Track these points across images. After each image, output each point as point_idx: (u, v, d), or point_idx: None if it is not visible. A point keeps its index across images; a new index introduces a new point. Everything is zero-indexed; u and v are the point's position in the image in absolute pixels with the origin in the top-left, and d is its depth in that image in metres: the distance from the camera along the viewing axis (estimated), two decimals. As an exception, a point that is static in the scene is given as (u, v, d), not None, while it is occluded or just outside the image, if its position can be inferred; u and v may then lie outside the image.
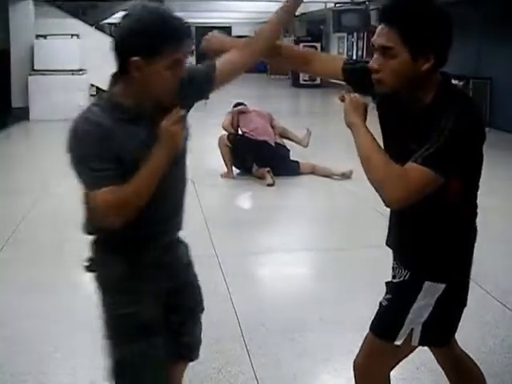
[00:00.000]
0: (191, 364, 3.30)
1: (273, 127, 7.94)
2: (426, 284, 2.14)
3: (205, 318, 3.77)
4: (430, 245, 2.18)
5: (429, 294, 2.15)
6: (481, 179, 2.13)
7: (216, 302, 4.08)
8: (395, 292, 2.24)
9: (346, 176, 7.52)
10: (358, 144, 2.10)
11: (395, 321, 2.19)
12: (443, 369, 2.59)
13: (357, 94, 2.24)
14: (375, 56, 2.09)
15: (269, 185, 7.28)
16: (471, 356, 2.52)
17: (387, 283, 2.31)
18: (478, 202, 2.18)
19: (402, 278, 2.22)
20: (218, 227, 5.71)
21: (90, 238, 2.22)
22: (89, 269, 2.26)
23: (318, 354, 3.47)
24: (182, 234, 2.42)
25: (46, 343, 3.59)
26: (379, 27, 2.06)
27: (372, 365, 2.29)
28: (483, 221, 2.30)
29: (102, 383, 3.09)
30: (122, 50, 2.03)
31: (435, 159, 1.93)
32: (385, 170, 1.99)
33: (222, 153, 7.77)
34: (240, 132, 7.91)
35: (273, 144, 7.73)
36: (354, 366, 2.31)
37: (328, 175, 7.65)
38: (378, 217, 6.03)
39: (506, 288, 4.37)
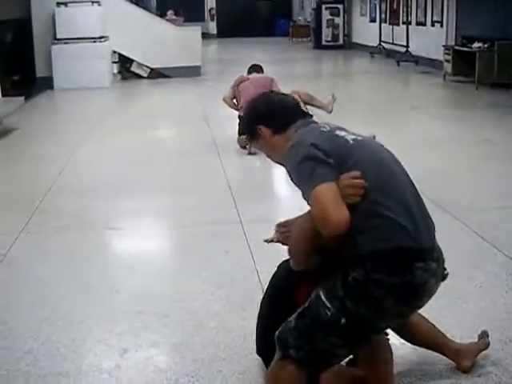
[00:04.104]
0: (215, 333, 3.37)
1: None
2: None
3: (229, 287, 3.86)
4: None
5: None
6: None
7: (241, 270, 4.12)
8: None
9: (369, 142, 7.41)
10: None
11: None
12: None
13: None
14: None
15: None
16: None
17: None
18: None
19: None
20: (243, 194, 5.71)
21: None
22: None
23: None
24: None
25: (77, 311, 3.65)
26: None
27: None
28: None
29: (135, 351, 3.19)
30: None
31: None
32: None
33: None
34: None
35: None
36: None
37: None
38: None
39: None
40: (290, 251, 2.48)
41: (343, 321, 2.22)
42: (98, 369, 3.06)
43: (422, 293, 2.26)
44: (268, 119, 2.55)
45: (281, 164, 2.52)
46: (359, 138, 2.40)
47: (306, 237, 2.35)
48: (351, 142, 2.35)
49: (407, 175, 2.41)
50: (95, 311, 3.64)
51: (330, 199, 2.17)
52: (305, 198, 2.27)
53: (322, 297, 2.28)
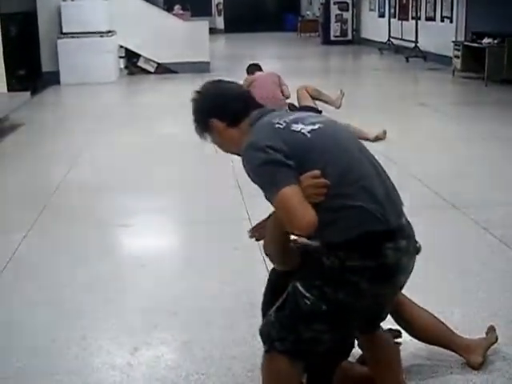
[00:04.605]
0: (224, 331, 3.34)
1: (281, 91, 7.74)
2: None
3: (238, 284, 3.83)
4: None
5: None
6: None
7: (250, 267, 4.09)
8: None
9: (379, 138, 7.38)
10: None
11: None
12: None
13: None
14: None
15: None
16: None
17: None
18: None
19: None
20: (252, 191, 5.64)
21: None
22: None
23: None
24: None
25: (87, 308, 3.64)
26: None
27: None
28: None
29: (146, 349, 3.18)
30: None
31: None
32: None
33: None
34: None
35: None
36: None
37: (361, 137, 7.50)
38: (412, 181, 5.96)
39: None
40: (265, 254, 2.50)
41: (324, 307, 2.25)
42: (110, 366, 3.06)
43: (396, 272, 2.28)
44: (221, 112, 2.47)
45: (238, 155, 2.47)
46: (316, 128, 2.32)
47: (275, 238, 2.38)
48: (308, 135, 2.29)
49: (369, 155, 2.40)
50: (105, 309, 3.63)
51: (295, 202, 2.16)
52: (268, 200, 2.27)
53: (300, 287, 2.29)
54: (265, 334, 2.37)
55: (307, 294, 2.26)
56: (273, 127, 2.32)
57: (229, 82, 2.62)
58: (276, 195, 2.18)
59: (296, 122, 2.34)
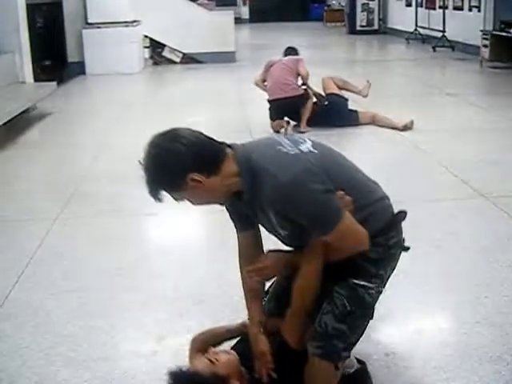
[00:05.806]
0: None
1: (298, 73, 7.64)
2: None
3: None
4: None
5: None
6: None
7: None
8: None
9: (407, 128, 7.32)
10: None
11: None
12: None
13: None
14: None
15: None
16: None
17: None
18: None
19: None
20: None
21: None
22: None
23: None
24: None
25: (114, 297, 3.65)
26: None
27: None
28: None
29: (172, 337, 3.18)
30: None
31: None
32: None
33: None
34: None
35: (294, 95, 7.49)
36: None
37: (389, 126, 7.44)
38: (440, 170, 5.89)
39: None
40: (304, 293, 2.35)
41: (382, 289, 2.40)
42: (135, 355, 3.06)
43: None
44: (198, 163, 2.14)
45: (219, 204, 2.50)
46: (310, 141, 2.35)
47: (319, 272, 2.33)
48: (316, 151, 2.28)
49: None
50: (132, 297, 3.63)
51: (354, 223, 2.24)
52: (318, 232, 2.24)
53: (361, 282, 2.32)
54: (332, 352, 2.29)
55: (370, 285, 2.33)
56: (292, 155, 2.20)
57: (182, 128, 2.24)
58: (339, 223, 2.18)
59: (296, 143, 2.28)
